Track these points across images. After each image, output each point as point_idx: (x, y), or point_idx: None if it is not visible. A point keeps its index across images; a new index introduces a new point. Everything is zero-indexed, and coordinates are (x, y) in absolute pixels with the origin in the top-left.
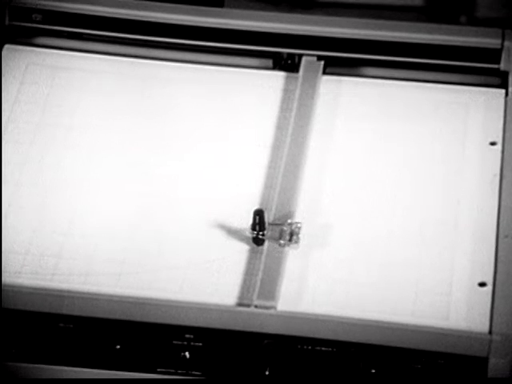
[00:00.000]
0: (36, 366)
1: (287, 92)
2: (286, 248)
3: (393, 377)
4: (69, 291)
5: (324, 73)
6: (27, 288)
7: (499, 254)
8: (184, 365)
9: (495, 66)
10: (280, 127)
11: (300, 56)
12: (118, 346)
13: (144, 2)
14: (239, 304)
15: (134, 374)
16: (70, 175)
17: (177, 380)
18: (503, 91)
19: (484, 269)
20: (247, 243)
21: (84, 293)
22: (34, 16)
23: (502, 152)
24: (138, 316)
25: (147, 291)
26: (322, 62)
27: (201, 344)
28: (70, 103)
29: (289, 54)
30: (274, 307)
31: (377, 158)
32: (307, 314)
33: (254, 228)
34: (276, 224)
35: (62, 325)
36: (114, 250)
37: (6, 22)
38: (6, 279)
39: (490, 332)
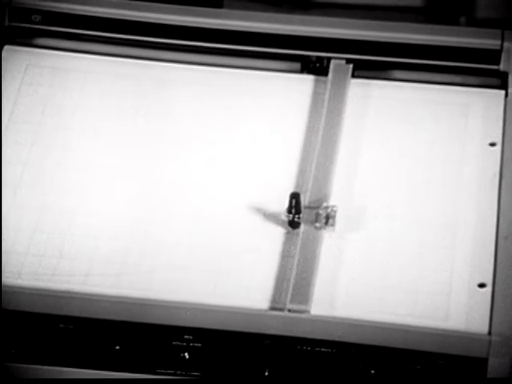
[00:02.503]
0: (36, 366)
1: (316, 95)
2: (322, 231)
3: (392, 378)
4: (68, 292)
5: (353, 76)
6: (27, 289)
7: (499, 254)
8: (183, 365)
9: (495, 67)
10: (310, 130)
11: (328, 59)
12: (118, 347)
13: (148, 4)
14: (272, 308)
15: (133, 375)
16: (69, 176)
17: (176, 380)
18: (503, 92)
19: (483, 270)
20: (283, 226)
21: (84, 294)
22: (33, 17)
23: (502, 153)
24: (137, 317)
25: (147, 292)
26: (351, 65)
27: (200, 345)
28: (70, 104)
29: (317, 57)
30: (307, 311)
31: (377, 158)
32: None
33: (289, 211)
34: (312, 207)
35: (61, 325)
36: (113, 251)
37: (6, 23)
38: (5, 280)
39: (490, 333)
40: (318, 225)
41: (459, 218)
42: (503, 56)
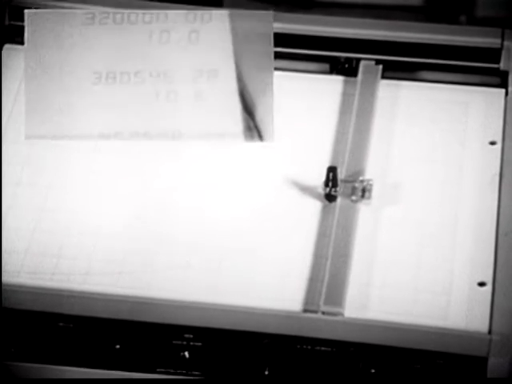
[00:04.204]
0: (35, 365)
1: (346, 96)
2: (358, 204)
3: (392, 377)
4: (68, 291)
5: (382, 77)
6: (27, 287)
7: (499, 253)
8: (184, 364)
9: (495, 66)
10: (340, 131)
11: (358, 60)
12: (118, 346)
13: (151, 3)
14: (306, 310)
15: (133, 374)
16: (69, 175)
17: (176, 380)
18: (503, 91)
19: (483, 268)
20: (320, 200)
21: (84, 292)
22: None
23: (502, 151)
24: (137, 315)
25: (147, 291)
26: (381, 66)
27: (200, 344)
28: None
29: (346, 58)
30: (341, 314)
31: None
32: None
33: (327, 184)
34: (348, 181)
35: (61, 324)
36: (113, 250)
37: (6, 22)
38: (5, 279)
39: (490, 332)
40: (354, 198)
41: (459, 216)
42: (503, 55)
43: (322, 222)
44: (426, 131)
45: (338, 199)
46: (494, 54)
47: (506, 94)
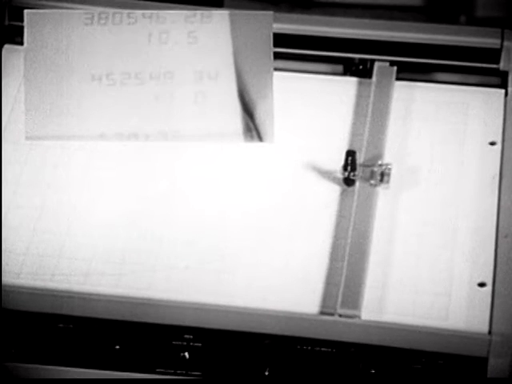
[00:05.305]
0: (35, 366)
1: (360, 98)
2: (377, 188)
3: (392, 377)
4: (68, 291)
5: (397, 78)
6: (27, 288)
7: (499, 254)
8: (183, 365)
9: (495, 66)
10: (355, 133)
11: (372, 61)
12: (118, 347)
13: (148, 2)
14: (322, 313)
15: (133, 375)
16: (69, 175)
17: (176, 380)
18: (503, 91)
19: (483, 269)
20: (338, 184)
21: (83, 293)
22: None
23: (502, 152)
24: (137, 316)
25: (147, 291)
26: (395, 68)
27: (200, 344)
28: None
29: (360, 60)
30: (358, 316)
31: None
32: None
33: (345, 168)
34: (366, 165)
35: (61, 325)
36: (113, 250)
37: (6, 22)
38: (5, 279)
39: (490, 332)
40: (372, 182)
41: (459, 217)
42: (503, 55)
43: (341, 207)
44: (426, 131)
45: (357, 183)
46: (493, 55)
47: (506, 94)
